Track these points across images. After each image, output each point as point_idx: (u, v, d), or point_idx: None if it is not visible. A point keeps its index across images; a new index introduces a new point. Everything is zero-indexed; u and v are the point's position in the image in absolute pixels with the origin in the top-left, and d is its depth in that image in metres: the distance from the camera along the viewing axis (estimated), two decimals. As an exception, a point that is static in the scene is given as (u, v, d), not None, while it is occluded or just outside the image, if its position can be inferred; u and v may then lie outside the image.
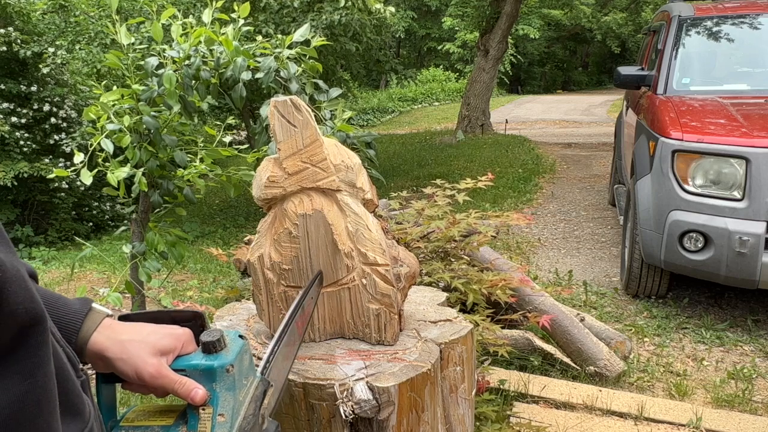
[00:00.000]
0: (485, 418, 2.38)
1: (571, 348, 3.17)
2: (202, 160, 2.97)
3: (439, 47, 25.84)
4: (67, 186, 8.80)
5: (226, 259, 3.21)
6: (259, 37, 3.21)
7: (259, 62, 2.88)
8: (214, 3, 2.93)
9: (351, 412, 1.24)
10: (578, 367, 3.18)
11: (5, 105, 8.69)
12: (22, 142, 8.75)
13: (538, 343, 3.26)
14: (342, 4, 7.59)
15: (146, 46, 3.60)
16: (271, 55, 2.90)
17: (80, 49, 9.25)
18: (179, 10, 3.37)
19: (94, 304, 0.90)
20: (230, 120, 3.43)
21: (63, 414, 0.64)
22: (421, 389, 1.33)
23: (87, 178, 2.68)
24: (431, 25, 26.36)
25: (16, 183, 8.50)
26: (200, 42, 2.89)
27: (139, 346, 0.86)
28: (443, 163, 10.15)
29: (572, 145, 11.75)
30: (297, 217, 1.37)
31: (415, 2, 24.59)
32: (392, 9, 7.01)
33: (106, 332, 0.87)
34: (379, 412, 1.25)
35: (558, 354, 3.26)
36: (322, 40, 3.04)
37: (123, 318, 0.92)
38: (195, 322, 0.92)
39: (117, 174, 2.74)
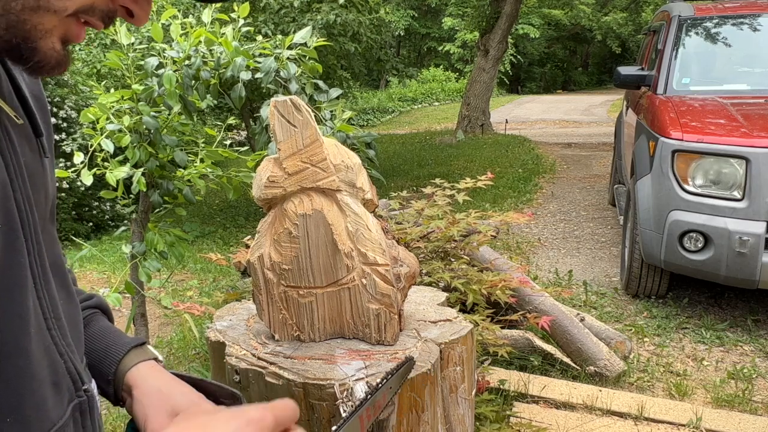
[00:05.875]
0: (485, 418, 2.38)
1: (571, 348, 3.17)
2: (202, 161, 2.97)
3: (439, 47, 25.84)
4: (67, 186, 8.80)
5: (225, 263, 3.20)
6: (259, 37, 3.21)
7: (259, 62, 2.88)
8: (213, 3, 2.92)
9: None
10: (578, 367, 3.18)
11: (5, 105, 8.67)
12: (22, 143, 8.73)
13: (538, 343, 3.27)
14: (341, 2, 7.59)
15: (146, 46, 3.60)
16: (271, 55, 2.90)
17: (80, 49, 9.25)
18: (179, 11, 3.38)
19: (148, 345, 0.92)
20: (230, 120, 3.43)
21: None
22: (421, 389, 1.34)
23: (87, 178, 2.68)
24: (431, 24, 26.37)
25: (16, 183, 8.48)
26: (200, 42, 2.89)
27: (162, 399, 0.85)
28: (443, 163, 10.15)
29: (572, 145, 11.75)
30: (297, 217, 1.37)
31: (415, 1, 24.59)
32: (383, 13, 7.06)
33: (144, 370, 0.88)
34: (380, 412, 1.25)
35: (558, 354, 3.26)
36: (321, 41, 3.04)
37: (173, 374, 0.92)
38: (233, 402, 0.89)
39: (116, 174, 2.74)
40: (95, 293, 0.98)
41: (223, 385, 0.91)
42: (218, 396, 0.89)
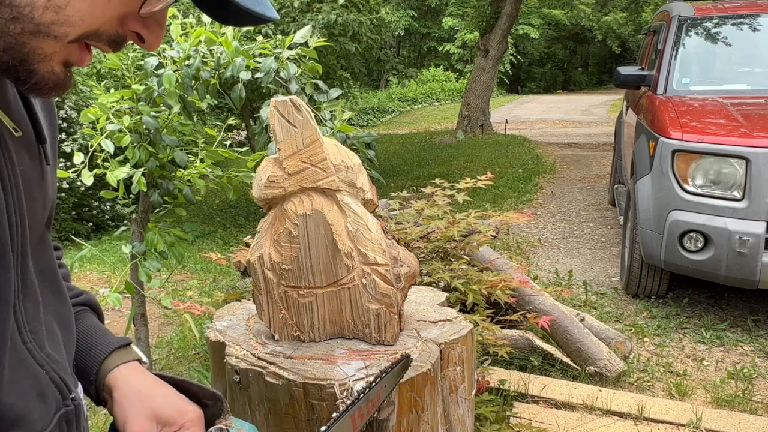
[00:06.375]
0: (485, 418, 2.38)
1: (571, 348, 3.17)
2: (202, 161, 2.97)
3: (439, 47, 25.83)
4: (67, 186, 8.80)
5: (225, 263, 3.20)
6: (260, 38, 3.21)
7: (259, 62, 2.88)
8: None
9: (351, 412, 1.24)
10: (578, 367, 3.18)
11: (5, 105, 8.66)
12: (22, 143, 8.71)
13: (538, 343, 3.27)
14: (341, 2, 7.59)
15: (146, 46, 3.58)
16: (271, 55, 2.90)
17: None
18: (179, 10, 3.37)
19: (133, 345, 0.92)
20: (230, 120, 3.43)
21: None
22: (421, 389, 1.33)
23: (87, 178, 2.69)
24: (431, 24, 26.37)
25: (16, 183, 8.47)
26: (200, 42, 2.89)
27: (142, 401, 0.85)
28: (443, 163, 10.15)
29: (572, 145, 11.74)
30: (297, 217, 1.37)
31: (415, 1, 24.58)
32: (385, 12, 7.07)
33: (126, 372, 0.88)
34: (379, 412, 1.25)
35: (558, 354, 3.26)
36: (322, 41, 3.04)
37: (156, 375, 0.92)
38: (215, 404, 0.90)
39: (116, 174, 2.74)
40: (85, 291, 0.97)
41: (204, 386, 0.91)
42: (200, 397, 0.89)
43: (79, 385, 0.85)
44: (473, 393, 1.59)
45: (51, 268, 0.80)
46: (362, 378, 1.28)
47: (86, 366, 0.88)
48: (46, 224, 0.80)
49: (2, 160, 0.68)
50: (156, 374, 0.91)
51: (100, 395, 0.89)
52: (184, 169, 2.94)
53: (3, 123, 0.69)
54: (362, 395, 1.02)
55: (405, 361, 1.24)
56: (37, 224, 0.76)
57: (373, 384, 1.07)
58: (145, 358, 0.93)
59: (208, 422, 0.88)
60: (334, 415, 0.95)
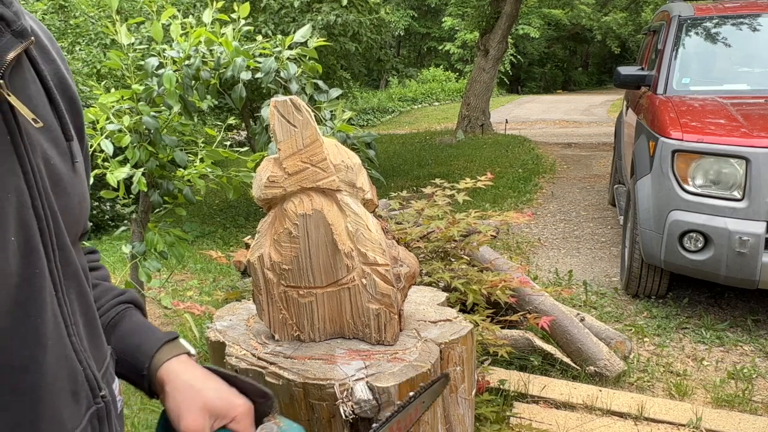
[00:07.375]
0: (485, 418, 2.38)
1: (571, 348, 3.17)
2: (202, 161, 2.97)
3: (440, 47, 25.84)
4: (67, 186, 8.80)
5: (225, 261, 3.21)
6: (259, 37, 3.21)
7: (259, 62, 2.89)
8: (214, 3, 2.93)
9: (351, 412, 1.24)
10: (578, 367, 3.18)
11: (5, 105, 8.65)
12: (21, 143, 8.71)
13: (538, 343, 3.27)
14: (344, 3, 7.60)
15: (146, 46, 3.60)
16: (271, 55, 2.90)
17: (80, 50, 9.24)
18: (179, 10, 3.38)
19: (180, 339, 0.93)
20: (230, 120, 3.43)
21: None
22: (421, 389, 1.34)
23: (87, 178, 2.69)
24: (431, 24, 26.37)
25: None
26: (200, 42, 2.89)
27: (194, 394, 0.86)
28: (443, 163, 10.15)
29: (572, 145, 11.74)
30: (297, 217, 1.37)
31: (415, 1, 24.58)
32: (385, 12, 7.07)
33: (176, 365, 0.89)
34: (379, 412, 1.25)
35: (558, 354, 3.26)
36: (321, 41, 3.04)
37: (206, 368, 0.93)
38: (265, 402, 0.91)
39: (116, 174, 2.74)
40: (128, 289, 0.98)
41: (255, 383, 0.92)
42: (249, 394, 0.90)
43: (116, 380, 0.85)
44: (473, 393, 1.59)
45: (86, 267, 0.80)
46: (362, 378, 1.28)
47: (137, 361, 0.90)
48: (84, 223, 0.79)
49: (24, 153, 0.66)
50: (206, 367, 0.92)
51: (153, 389, 0.90)
52: (184, 169, 2.94)
53: (23, 116, 0.66)
54: (402, 409, 1.03)
55: (443, 380, 1.24)
56: (74, 220, 0.74)
57: (412, 399, 1.08)
58: (193, 351, 0.94)
59: (257, 420, 0.88)
60: (374, 425, 0.96)
